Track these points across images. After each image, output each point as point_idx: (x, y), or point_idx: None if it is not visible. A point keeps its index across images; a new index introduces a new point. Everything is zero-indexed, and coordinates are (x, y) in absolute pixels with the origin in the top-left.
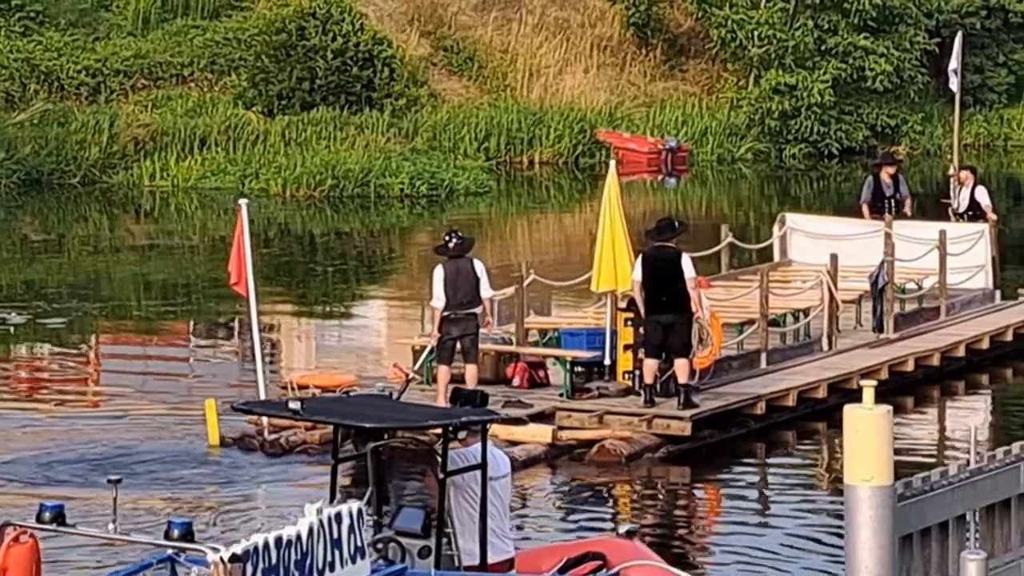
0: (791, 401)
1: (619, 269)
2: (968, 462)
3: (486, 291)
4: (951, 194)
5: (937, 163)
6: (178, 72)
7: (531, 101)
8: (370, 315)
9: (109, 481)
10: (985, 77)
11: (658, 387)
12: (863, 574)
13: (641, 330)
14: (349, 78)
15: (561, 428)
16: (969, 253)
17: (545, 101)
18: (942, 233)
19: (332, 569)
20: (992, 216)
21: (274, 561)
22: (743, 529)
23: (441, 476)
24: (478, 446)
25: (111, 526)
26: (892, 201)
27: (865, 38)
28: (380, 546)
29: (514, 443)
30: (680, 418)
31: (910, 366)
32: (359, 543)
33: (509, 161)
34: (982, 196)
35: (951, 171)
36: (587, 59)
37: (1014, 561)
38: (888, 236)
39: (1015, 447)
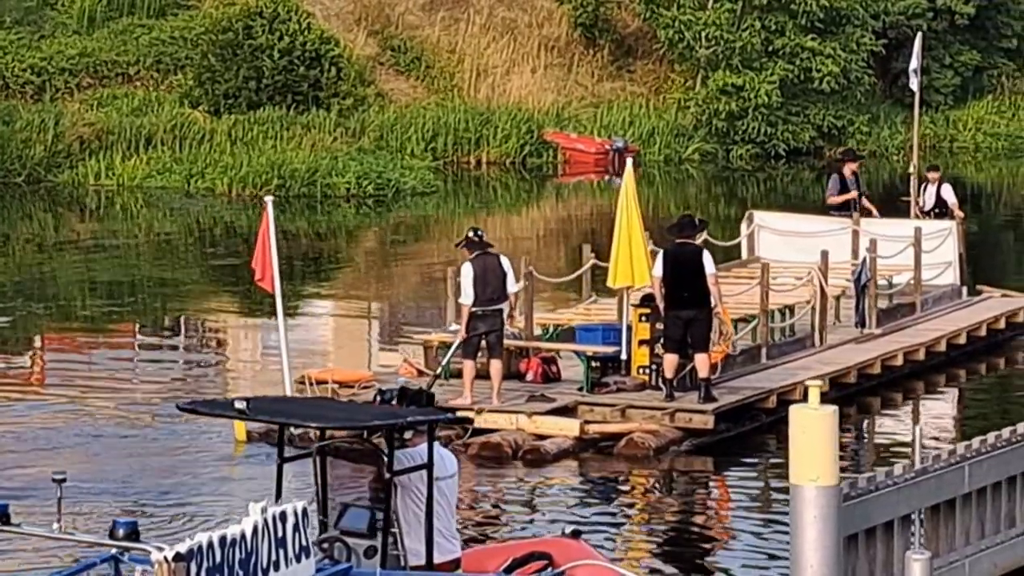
0: (798, 395)
1: (635, 265)
2: (913, 462)
3: (513, 286)
4: (910, 192)
5: (883, 164)
6: (124, 71)
7: (478, 101)
8: (316, 315)
9: (54, 480)
10: (931, 79)
11: (675, 382)
12: (808, 573)
13: (659, 325)
14: (296, 77)
15: (587, 422)
16: (937, 250)
17: (492, 101)
18: (917, 230)
19: (277, 568)
20: (959, 214)
21: (218, 560)
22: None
23: (387, 476)
24: (424, 446)
25: (55, 525)
26: (857, 199)
27: (812, 39)
28: (325, 545)
29: (542, 437)
30: (703, 412)
31: (899, 361)
32: (304, 542)
33: (456, 161)
34: (948, 194)
35: (911, 169)
36: (535, 59)
37: (959, 561)
38: (856, 234)
39: (960, 447)
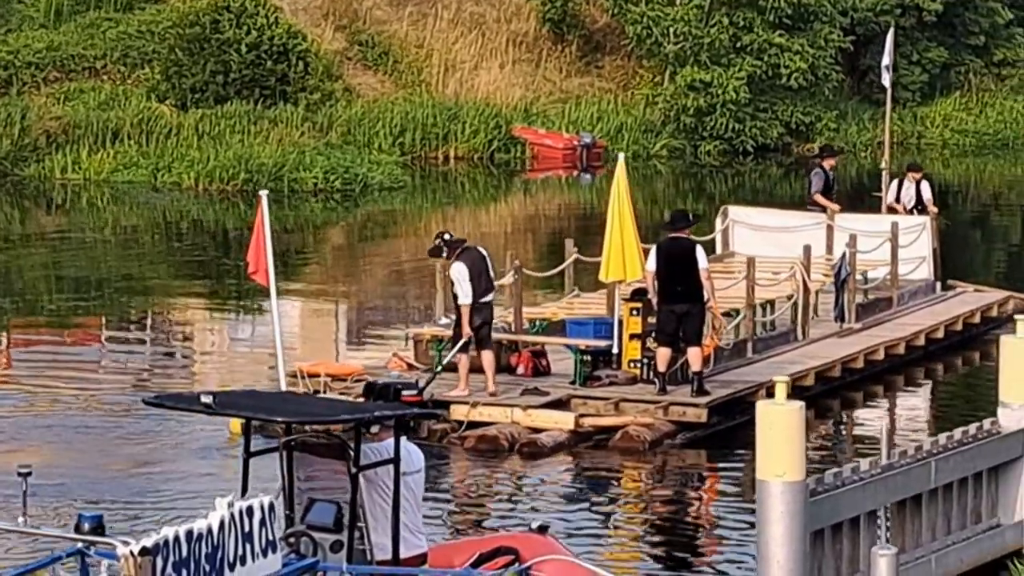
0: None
1: (628, 260)
2: (879, 458)
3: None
4: (882, 188)
5: (851, 160)
6: (91, 65)
7: (446, 96)
8: (283, 311)
9: (19, 474)
10: (899, 75)
11: (667, 375)
12: (774, 568)
13: (651, 319)
14: (263, 72)
15: (582, 416)
16: (912, 246)
17: (460, 96)
18: (894, 225)
19: (243, 562)
20: (933, 209)
21: (185, 554)
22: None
23: (354, 470)
24: (391, 441)
25: (21, 519)
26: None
27: (780, 35)
28: (292, 540)
29: (537, 430)
30: (696, 405)
31: (880, 355)
32: (270, 537)
33: (424, 156)
34: (925, 190)
35: (883, 165)
36: (503, 55)
37: (925, 557)
38: (831, 229)
39: (926, 443)
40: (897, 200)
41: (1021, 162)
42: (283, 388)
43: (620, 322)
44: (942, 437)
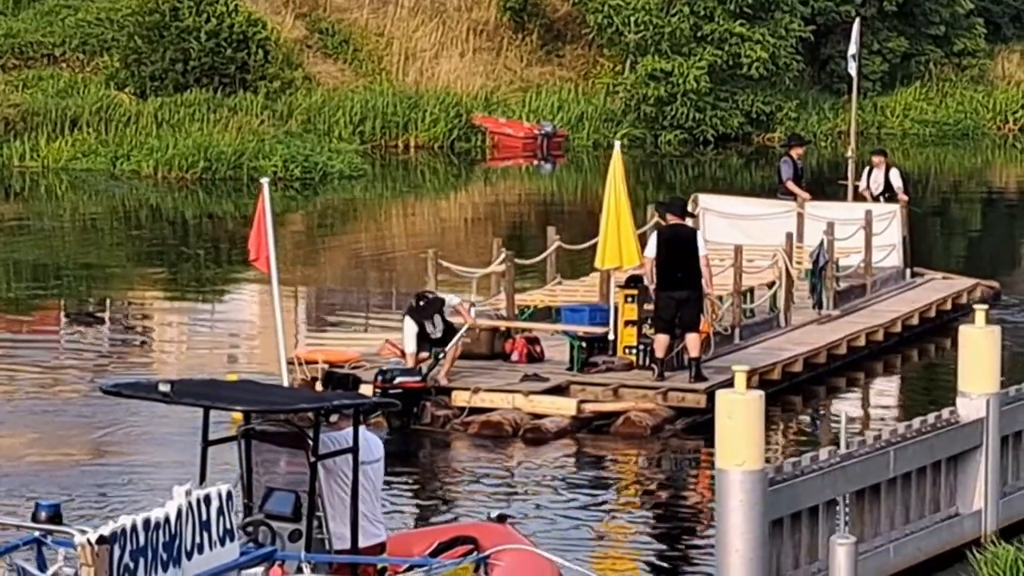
0: (777, 375)
1: (624, 247)
2: (839, 448)
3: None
4: (847, 175)
5: (812, 150)
6: (49, 52)
7: (407, 85)
8: (242, 300)
9: None
10: (860, 65)
11: (664, 361)
12: (733, 557)
13: (647, 306)
14: (223, 60)
15: (583, 402)
16: (883, 233)
17: (421, 85)
18: (868, 213)
19: (200, 551)
20: (903, 197)
21: (142, 543)
22: None
23: (312, 459)
24: (350, 430)
25: None
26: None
27: (741, 25)
28: (250, 529)
29: (538, 416)
30: (695, 391)
31: (862, 341)
32: (228, 525)
33: (384, 145)
34: (895, 178)
35: (849, 153)
36: (463, 43)
37: (883, 545)
38: (801, 217)
39: (885, 432)
40: (866, 187)
41: (981, 152)
42: (284, 374)
43: (615, 309)
44: (901, 426)
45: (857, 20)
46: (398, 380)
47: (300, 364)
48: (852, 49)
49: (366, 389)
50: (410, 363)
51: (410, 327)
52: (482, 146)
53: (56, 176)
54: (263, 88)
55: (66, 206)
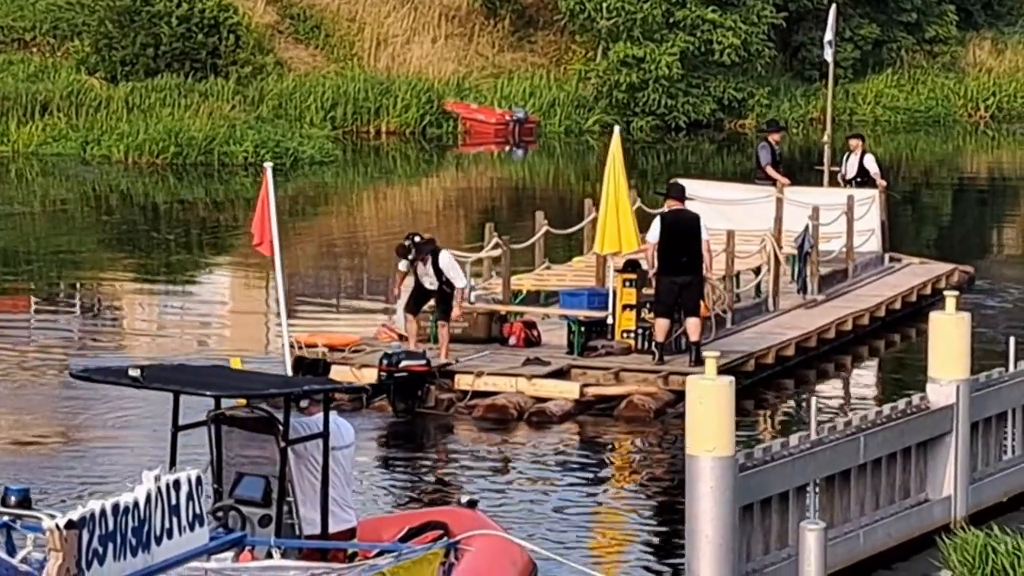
0: (771, 359)
1: (623, 231)
2: (809, 433)
3: (460, 281)
4: (823, 161)
5: (784, 136)
6: (20, 36)
7: (378, 70)
8: (214, 285)
9: None
10: (835, 51)
11: (664, 345)
12: (703, 543)
13: (646, 290)
14: (194, 45)
15: (586, 385)
16: (862, 219)
17: (392, 71)
18: (850, 198)
19: (170, 536)
20: (881, 183)
21: (111, 528)
22: None
23: (283, 445)
24: (321, 415)
25: None
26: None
27: (713, 11)
28: (220, 514)
29: (541, 399)
30: (696, 375)
31: (849, 325)
32: (198, 511)
33: (356, 131)
34: (871, 164)
35: (825, 139)
36: (435, 29)
37: (853, 531)
38: (780, 202)
39: (855, 419)
40: (843, 172)
41: (952, 139)
42: (287, 359)
43: (613, 293)
44: (871, 412)
45: (833, 6)
46: (403, 364)
47: (299, 347)
48: (828, 35)
49: (368, 373)
50: (412, 343)
51: (402, 265)
52: (454, 132)
53: (26, 160)
54: (234, 73)
55: (36, 191)
